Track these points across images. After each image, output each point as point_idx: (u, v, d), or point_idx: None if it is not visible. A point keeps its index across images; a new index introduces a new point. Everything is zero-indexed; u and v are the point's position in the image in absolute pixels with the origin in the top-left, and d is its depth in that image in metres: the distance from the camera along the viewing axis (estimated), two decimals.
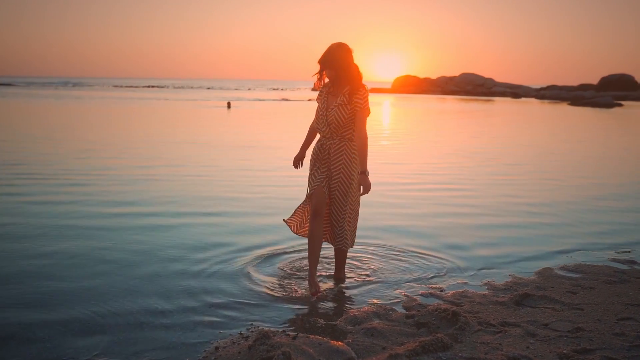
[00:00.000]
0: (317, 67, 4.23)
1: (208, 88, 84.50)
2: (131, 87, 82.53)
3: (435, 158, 12.06)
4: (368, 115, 4.15)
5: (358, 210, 4.40)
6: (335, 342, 3.34)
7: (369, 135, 4.18)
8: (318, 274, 4.50)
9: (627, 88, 67.29)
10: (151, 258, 4.83)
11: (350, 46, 4.19)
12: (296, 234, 4.48)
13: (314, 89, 4.34)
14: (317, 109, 4.32)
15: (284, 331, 3.50)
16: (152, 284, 4.24)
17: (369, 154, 4.16)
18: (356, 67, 4.19)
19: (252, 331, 3.51)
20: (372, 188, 4.16)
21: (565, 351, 3.10)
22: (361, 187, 4.12)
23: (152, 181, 8.51)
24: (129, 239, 5.36)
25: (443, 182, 9.05)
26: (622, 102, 51.22)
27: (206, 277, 4.43)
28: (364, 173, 4.07)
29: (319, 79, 4.29)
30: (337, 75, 4.17)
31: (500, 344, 3.23)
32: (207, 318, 3.70)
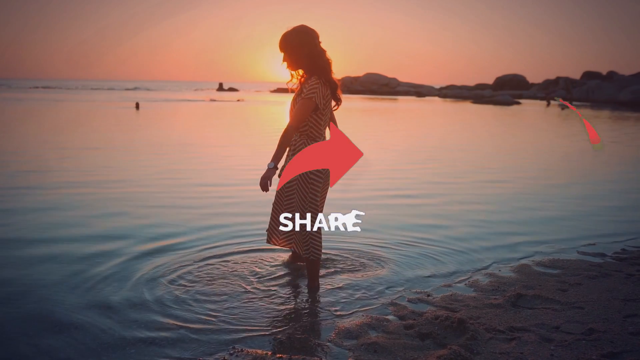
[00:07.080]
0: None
1: (109, 89, 79.86)
2: (12, 87, 72.91)
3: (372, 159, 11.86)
4: (311, 106, 3.69)
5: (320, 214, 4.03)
6: None
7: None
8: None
9: (520, 87, 71.40)
10: (93, 289, 4.13)
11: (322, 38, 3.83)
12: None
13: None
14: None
15: (273, 353, 3.06)
16: (99, 315, 3.57)
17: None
18: (319, 52, 3.79)
19: (237, 355, 3.04)
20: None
21: (594, 357, 2.87)
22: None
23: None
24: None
25: (388, 183, 8.84)
26: (519, 100, 54.12)
27: (156, 302, 3.74)
28: (267, 165, 3.52)
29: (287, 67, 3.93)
30: (287, 59, 3.83)
31: (522, 353, 2.95)
32: (176, 344, 3.17)
